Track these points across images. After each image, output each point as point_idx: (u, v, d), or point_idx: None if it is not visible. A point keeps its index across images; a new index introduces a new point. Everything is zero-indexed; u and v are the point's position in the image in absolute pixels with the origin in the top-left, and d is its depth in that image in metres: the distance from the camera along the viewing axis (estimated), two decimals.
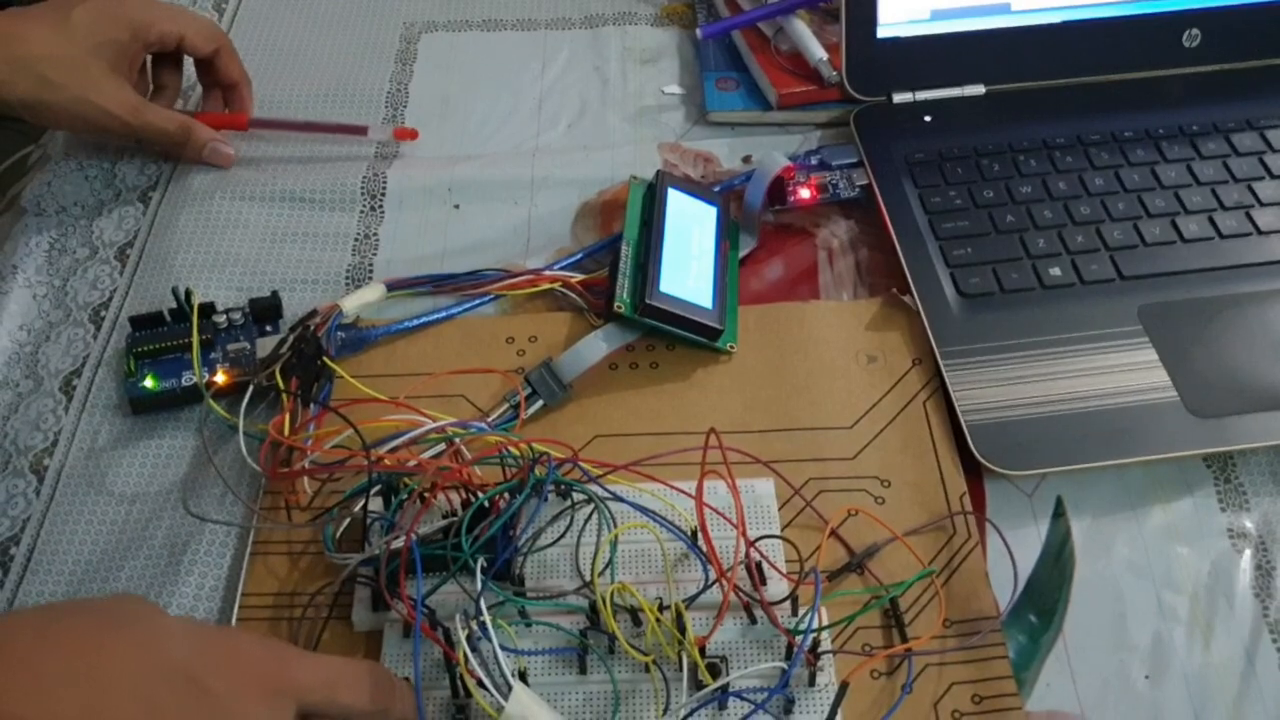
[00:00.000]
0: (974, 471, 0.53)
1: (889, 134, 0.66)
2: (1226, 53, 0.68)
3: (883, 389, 0.56)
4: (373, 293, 0.59)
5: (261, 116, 0.70)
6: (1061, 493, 0.53)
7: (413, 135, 0.69)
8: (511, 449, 0.49)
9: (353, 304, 0.58)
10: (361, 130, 0.69)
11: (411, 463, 0.48)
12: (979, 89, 0.68)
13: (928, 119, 0.67)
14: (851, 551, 0.50)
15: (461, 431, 0.50)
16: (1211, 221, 0.61)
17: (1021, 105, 0.68)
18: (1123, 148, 0.64)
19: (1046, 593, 0.50)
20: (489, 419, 0.54)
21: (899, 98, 0.68)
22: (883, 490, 0.52)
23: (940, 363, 0.55)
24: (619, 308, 0.56)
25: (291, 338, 0.55)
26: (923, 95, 0.68)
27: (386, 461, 0.48)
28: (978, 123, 0.67)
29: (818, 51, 0.69)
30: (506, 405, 0.55)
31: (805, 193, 0.64)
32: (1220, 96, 0.67)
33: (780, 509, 0.51)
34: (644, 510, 0.48)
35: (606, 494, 0.48)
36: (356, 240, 0.65)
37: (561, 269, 0.61)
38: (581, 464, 0.49)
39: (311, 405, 0.53)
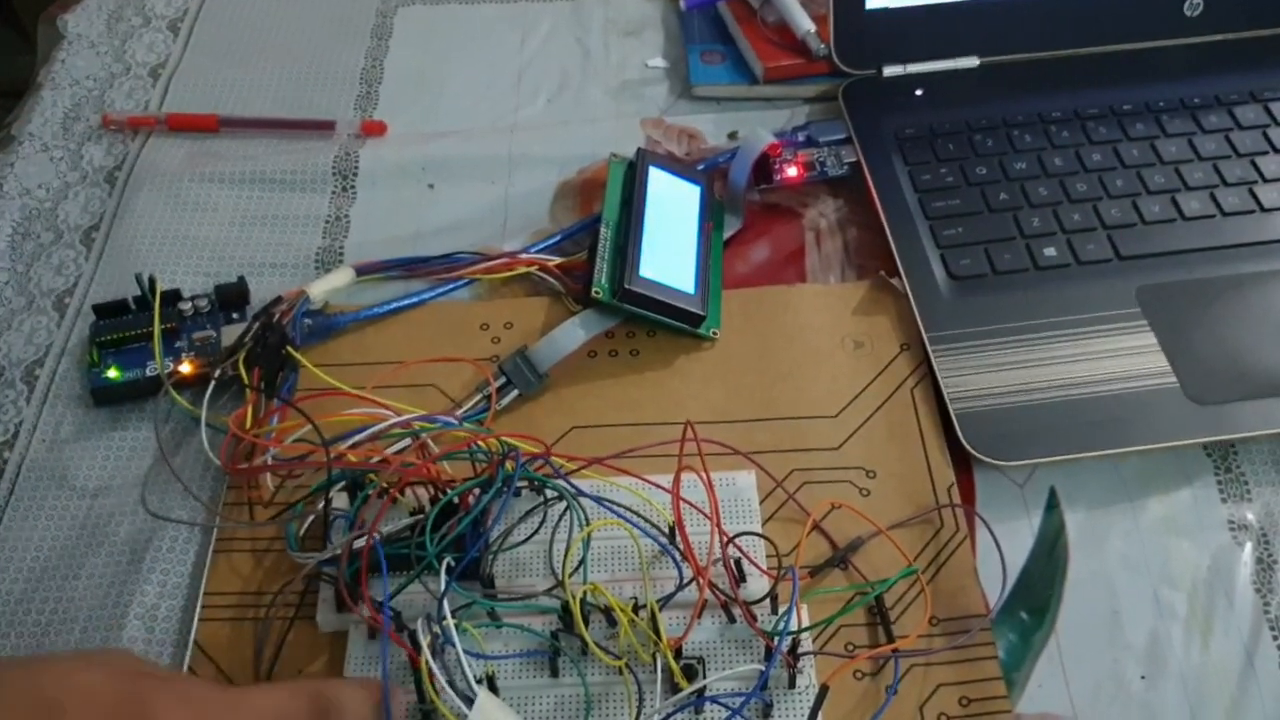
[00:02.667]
0: (963, 462, 0.51)
1: (879, 109, 0.64)
2: (1229, 22, 0.66)
3: (869, 376, 0.54)
4: (341, 277, 0.57)
5: (230, 116, 0.67)
6: (1054, 484, 0.51)
7: (381, 129, 0.66)
8: (481, 444, 0.47)
9: (320, 290, 0.56)
10: (328, 126, 0.66)
11: (376, 458, 0.46)
12: (972, 61, 0.65)
13: (919, 93, 0.65)
14: (835, 546, 0.48)
15: (428, 426, 0.48)
16: (1213, 198, 0.58)
17: (1016, 78, 0.65)
18: (1121, 122, 0.62)
19: (1038, 589, 0.48)
20: (460, 410, 0.52)
21: (889, 71, 0.65)
22: (868, 481, 0.50)
23: (929, 348, 0.53)
24: (597, 293, 0.54)
25: (255, 326, 0.53)
26: (914, 68, 0.65)
27: (349, 457, 0.46)
28: (971, 96, 0.64)
29: (805, 23, 0.67)
30: (479, 396, 0.53)
31: (792, 170, 0.61)
32: (1223, 67, 0.65)
33: (762, 502, 0.49)
34: (618, 507, 0.46)
35: (580, 490, 0.46)
36: (327, 222, 0.62)
37: (539, 252, 0.59)
38: (554, 459, 0.47)
39: (274, 398, 0.51)
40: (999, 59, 0.65)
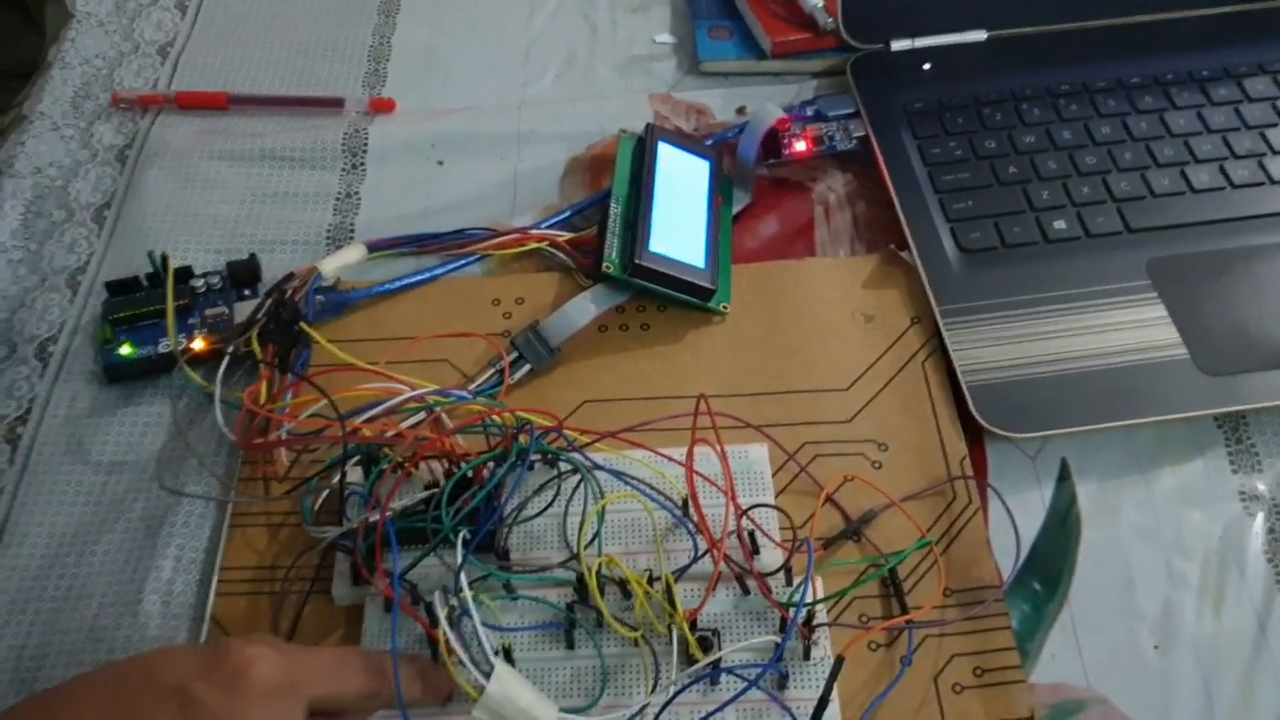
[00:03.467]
0: (975, 434, 0.51)
1: (887, 83, 0.64)
2: None
3: (880, 349, 0.54)
4: (353, 254, 0.57)
5: (239, 93, 0.67)
6: (1066, 455, 0.51)
7: (390, 106, 0.66)
8: (494, 418, 0.47)
9: (332, 266, 0.56)
10: (337, 103, 0.66)
11: (390, 433, 0.47)
12: (980, 34, 0.65)
13: (927, 67, 0.65)
14: (848, 518, 0.49)
15: (441, 400, 0.48)
16: (1223, 171, 0.58)
17: (1024, 51, 0.65)
18: (1130, 94, 0.62)
19: (1051, 560, 0.48)
20: (473, 385, 0.52)
21: (897, 45, 0.65)
22: (880, 454, 0.50)
23: (939, 321, 0.53)
24: (608, 268, 0.54)
25: (268, 303, 0.53)
26: (922, 42, 0.65)
27: (365, 432, 0.47)
28: (979, 70, 0.64)
29: None
30: (492, 370, 0.53)
31: (801, 145, 0.61)
32: (1232, 39, 0.65)
33: (774, 475, 0.49)
34: (632, 479, 0.46)
35: (594, 463, 0.46)
36: (337, 199, 0.62)
37: (549, 227, 0.59)
38: (567, 432, 0.47)
39: (289, 373, 0.51)
40: (1007, 32, 0.65)
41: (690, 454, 0.45)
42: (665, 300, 0.55)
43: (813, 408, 0.52)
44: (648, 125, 0.60)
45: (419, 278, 0.57)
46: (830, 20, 0.65)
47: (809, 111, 0.63)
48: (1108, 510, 0.49)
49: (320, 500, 0.48)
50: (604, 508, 0.45)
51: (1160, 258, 0.55)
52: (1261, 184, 0.58)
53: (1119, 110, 0.61)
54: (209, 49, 0.71)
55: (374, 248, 0.58)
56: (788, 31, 0.66)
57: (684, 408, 0.48)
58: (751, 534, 0.46)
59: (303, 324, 0.53)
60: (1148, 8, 0.65)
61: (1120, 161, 0.59)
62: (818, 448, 0.51)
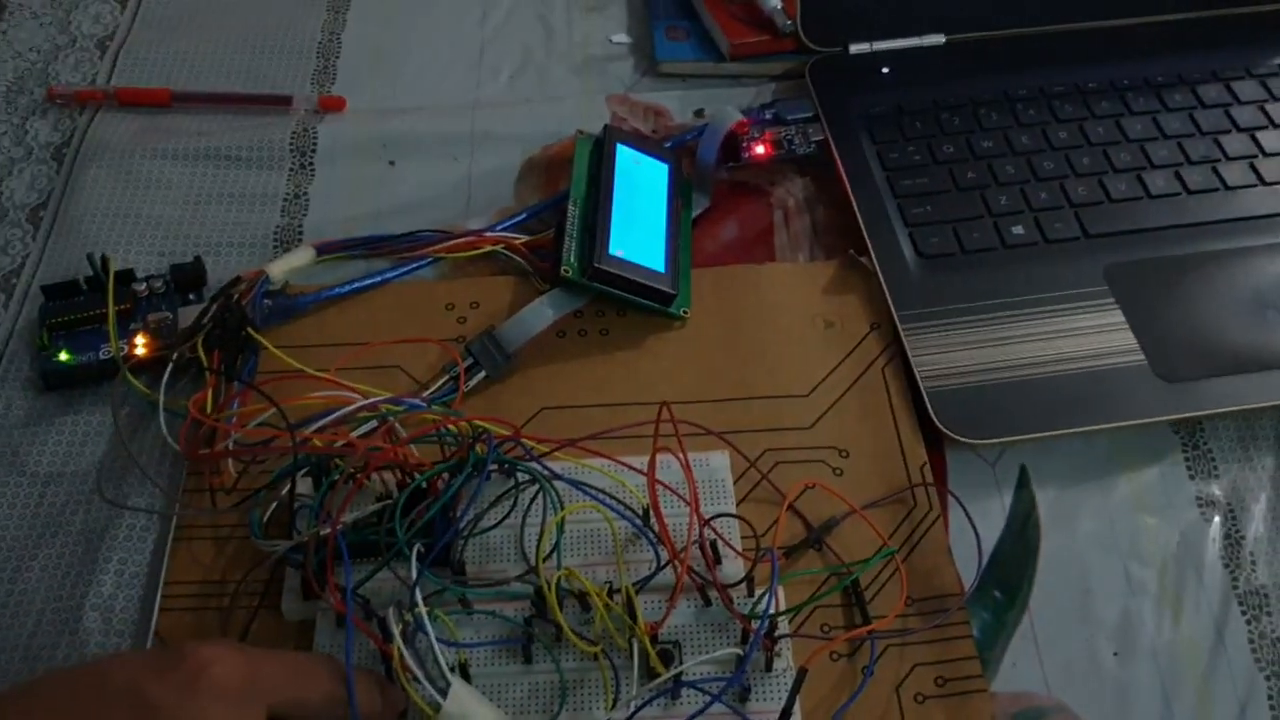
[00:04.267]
0: (935, 440, 0.51)
1: (845, 87, 0.63)
2: (1193, 0, 0.66)
3: (840, 355, 0.53)
4: (301, 256, 0.56)
5: (183, 90, 0.65)
6: (1025, 462, 0.51)
7: (339, 105, 0.65)
8: (449, 426, 0.46)
9: (280, 269, 0.55)
10: (285, 102, 0.64)
11: (341, 442, 0.45)
12: (939, 38, 0.65)
13: (885, 71, 0.64)
14: (809, 526, 0.48)
15: (395, 409, 0.47)
16: (1178, 176, 0.59)
17: (983, 55, 0.65)
18: (1087, 100, 0.62)
19: (1011, 567, 0.48)
20: (427, 392, 0.51)
21: (855, 48, 0.65)
22: (841, 461, 0.50)
23: (899, 327, 0.53)
24: (566, 271, 0.53)
25: (213, 307, 0.52)
26: (880, 45, 0.65)
27: (315, 442, 0.45)
28: (937, 74, 0.64)
29: None
30: (446, 377, 0.52)
31: (760, 149, 0.61)
32: (1187, 46, 0.65)
33: (736, 482, 0.49)
34: (592, 489, 0.45)
35: (552, 473, 0.45)
36: (285, 200, 0.61)
37: (504, 230, 0.58)
38: (525, 441, 0.46)
39: (236, 381, 0.50)
40: (965, 36, 0.65)
41: (652, 463, 0.44)
42: (625, 305, 0.54)
43: (774, 414, 0.51)
44: (605, 127, 0.59)
45: (370, 281, 0.56)
46: (789, 23, 0.65)
47: (768, 115, 0.63)
48: (1067, 517, 0.49)
49: (269, 512, 0.46)
50: (563, 519, 0.44)
51: (1117, 263, 0.55)
52: (1216, 190, 0.58)
53: (1076, 115, 0.61)
54: (151, 43, 0.69)
55: (323, 250, 0.57)
56: (746, 33, 0.66)
57: (645, 414, 0.47)
58: (713, 543, 0.45)
59: (250, 329, 0.51)
60: (1105, 13, 0.66)
61: (1078, 167, 0.59)
62: (779, 454, 0.50)
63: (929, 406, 0.50)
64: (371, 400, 0.47)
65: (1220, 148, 0.60)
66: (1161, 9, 0.66)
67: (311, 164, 0.62)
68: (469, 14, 0.70)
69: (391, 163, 0.62)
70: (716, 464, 0.49)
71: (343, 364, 0.52)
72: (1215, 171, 0.59)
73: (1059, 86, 0.63)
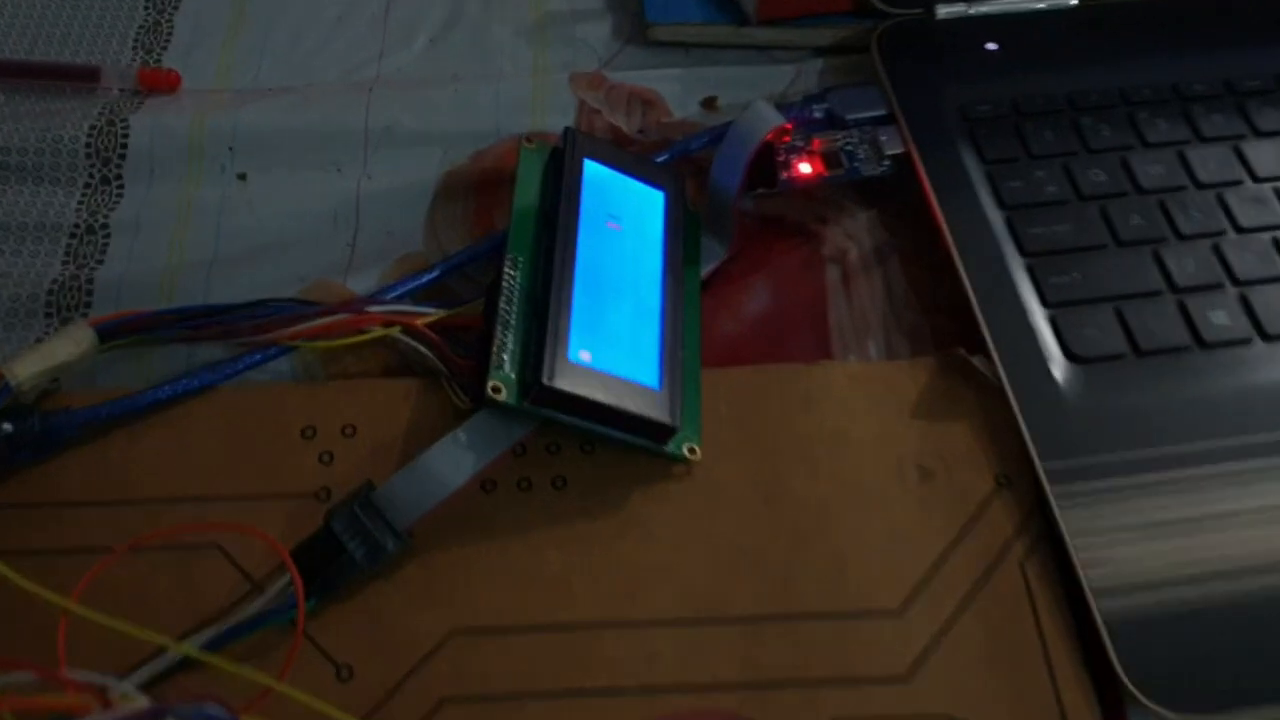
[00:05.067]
0: (1116, 703, 0.30)
1: (933, 70, 0.42)
2: None
3: (948, 533, 0.33)
4: (68, 345, 0.34)
5: None
6: None
7: (170, 82, 0.43)
8: None
9: (28, 368, 0.33)
10: (89, 75, 0.43)
11: None
12: None
13: (992, 47, 0.43)
14: None
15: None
16: None
17: (1138, 24, 0.43)
18: None
19: None
20: (220, 623, 0.30)
21: (946, 9, 0.43)
22: None
23: (1046, 487, 0.32)
24: (496, 391, 0.32)
25: None
26: (982, 7, 0.43)
27: None
28: (1072, 53, 0.43)
29: None
30: (278, 586, 0.30)
31: (805, 166, 0.39)
32: None
33: None
34: None
35: None
36: (73, 238, 0.39)
37: (402, 298, 0.37)
38: None
39: None
40: None
41: None
42: (592, 437, 0.34)
43: (840, 649, 0.31)
44: (568, 131, 0.37)
45: (182, 387, 0.35)
46: None
47: (815, 112, 0.41)
48: None
49: None
50: None
51: None
52: None
53: None
54: None
55: (110, 332, 0.35)
56: None
57: (625, 649, 0.27)
58: None
59: None
60: None
61: None
62: None
63: (1107, 644, 0.30)
64: (87, 677, 0.25)
65: None
66: None
67: (118, 176, 0.41)
68: None
69: (241, 176, 0.41)
70: None
71: (135, 539, 0.31)
72: None
73: (1253, 80, 0.41)
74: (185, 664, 0.29)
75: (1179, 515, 0.32)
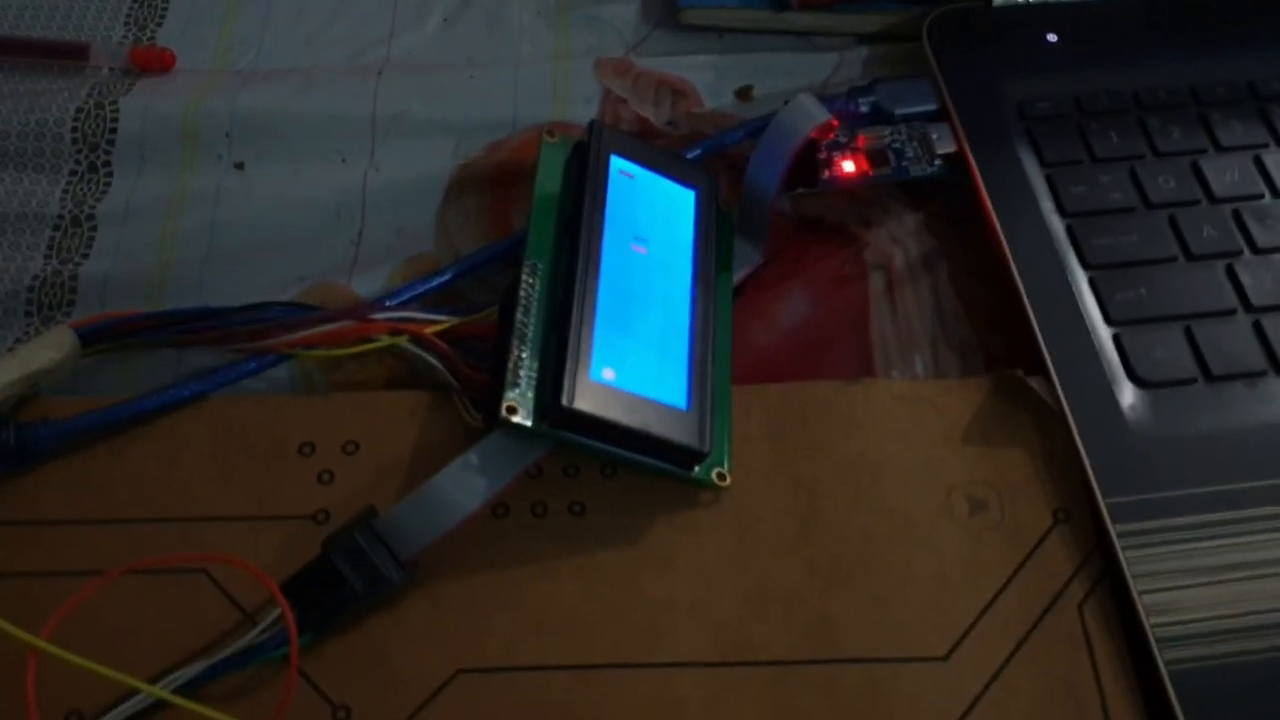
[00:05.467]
0: None
1: (989, 62, 0.39)
2: None
3: (1002, 572, 0.30)
4: (46, 351, 0.32)
5: None
6: None
7: (164, 62, 0.40)
8: None
9: (7, 375, 0.31)
10: (78, 53, 0.40)
11: None
12: None
13: (1052, 38, 0.40)
14: None
15: None
16: None
17: (1211, 15, 0.40)
18: None
19: None
20: (200, 663, 0.27)
21: None
22: None
23: (1109, 526, 0.29)
24: (512, 411, 0.29)
25: None
26: None
27: None
28: (1138, 48, 0.39)
29: None
30: (266, 623, 0.28)
31: (848, 164, 0.36)
32: None
33: None
34: None
35: None
36: (56, 230, 0.37)
37: (410, 303, 0.34)
38: None
39: None
40: None
41: None
42: (613, 460, 0.31)
43: (882, 698, 0.28)
44: (593, 124, 0.34)
45: (170, 397, 0.32)
46: None
47: (861, 105, 0.38)
48: None
49: None
50: None
51: None
52: None
53: None
54: None
55: (92, 335, 0.33)
56: None
57: (645, 690, 0.24)
58: None
59: None
60: None
61: None
62: None
63: (1172, 699, 0.27)
64: None
65: None
66: None
67: (106, 163, 0.38)
68: None
69: (238, 165, 0.38)
70: None
71: (131, 563, 0.28)
72: None
73: None
74: (165, 703, 0.27)
75: (1254, 558, 0.29)
